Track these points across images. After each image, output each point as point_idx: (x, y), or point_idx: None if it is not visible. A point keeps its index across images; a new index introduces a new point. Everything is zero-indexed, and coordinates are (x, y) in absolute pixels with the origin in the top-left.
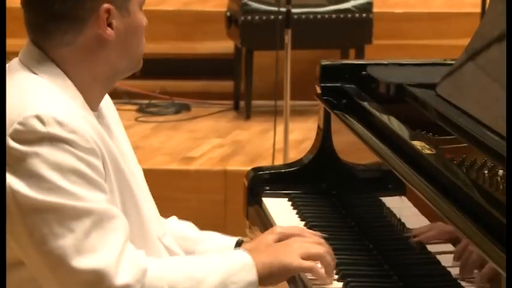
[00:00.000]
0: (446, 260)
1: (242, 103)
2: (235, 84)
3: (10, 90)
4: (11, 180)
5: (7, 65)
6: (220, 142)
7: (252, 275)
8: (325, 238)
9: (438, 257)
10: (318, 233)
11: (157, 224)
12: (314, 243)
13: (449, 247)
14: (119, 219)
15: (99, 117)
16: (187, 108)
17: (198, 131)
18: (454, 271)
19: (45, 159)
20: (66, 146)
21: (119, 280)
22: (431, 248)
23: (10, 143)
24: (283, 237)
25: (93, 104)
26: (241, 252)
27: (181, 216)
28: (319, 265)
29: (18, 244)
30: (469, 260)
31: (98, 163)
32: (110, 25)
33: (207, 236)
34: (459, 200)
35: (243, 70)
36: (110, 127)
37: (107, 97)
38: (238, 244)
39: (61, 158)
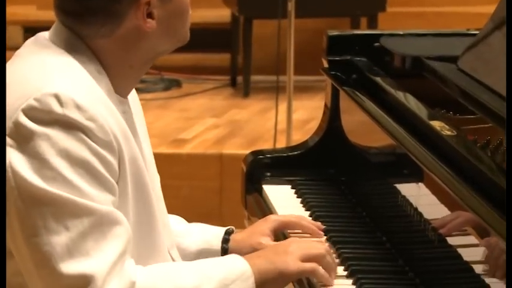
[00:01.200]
0: (468, 255)
1: (240, 78)
2: (232, 57)
3: (33, 65)
4: (14, 159)
5: (29, 40)
6: (215, 122)
7: (248, 284)
8: (326, 230)
9: (460, 250)
10: (318, 223)
11: (168, 235)
12: (311, 242)
13: (472, 240)
14: (121, 226)
15: (125, 111)
16: (177, 84)
17: (190, 110)
18: (477, 267)
19: (54, 143)
20: (81, 134)
21: None
22: (451, 240)
23: (21, 118)
24: (279, 226)
25: (125, 90)
26: (237, 259)
27: (172, 206)
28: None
29: (9, 227)
30: (498, 260)
31: (113, 160)
32: (150, 15)
33: (193, 229)
34: (483, 187)
35: (241, 41)
36: (134, 123)
37: (133, 91)
38: (228, 234)
39: (72, 146)
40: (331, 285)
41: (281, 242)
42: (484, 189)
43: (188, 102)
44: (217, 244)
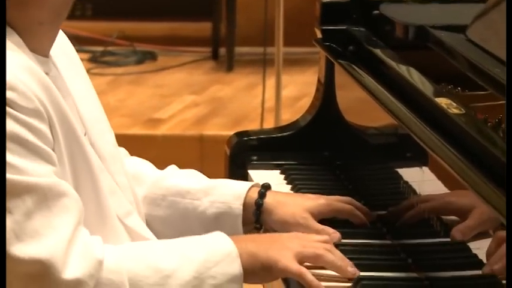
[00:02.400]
0: (478, 247)
1: (222, 50)
2: (213, 26)
3: None
4: None
5: None
6: (195, 100)
7: (234, 268)
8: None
9: (469, 243)
10: (370, 213)
11: (120, 201)
12: (311, 241)
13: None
14: (69, 197)
15: (48, 70)
16: (152, 57)
17: (166, 86)
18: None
19: None
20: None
21: (68, 274)
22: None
23: None
24: (328, 212)
25: (42, 48)
26: (222, 237)
27: None
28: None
29: None
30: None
31: (44, 127)
32: None
33: (213, 186)
34: (495, 172)
35: (224, 8)
36: (63, 80)
37: (65, 41)
38: (265, 188)
39: None
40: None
41: (282, 233)
42: (495, 174)
43: (164, 77)
44: (237, 205)
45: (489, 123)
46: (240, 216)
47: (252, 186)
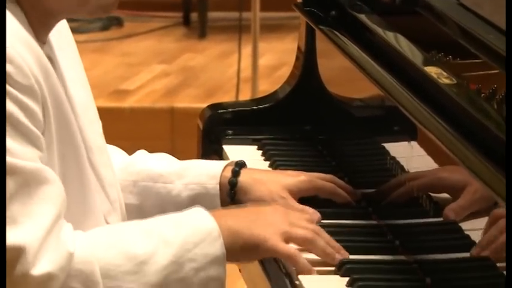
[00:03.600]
0: (471, 228)
1: (194, 16)
2: None
3: None
4: None
5: None
6: (165, 69)
7: (216, 248)
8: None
9: (461, 223)
10: (354, 191)
11: (105, 197)
12: (300, 219)
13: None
14: (52, 185)
15: (47, 50)
16: (118, 22)
17: (133, 54)
18: (481, 242)
19: None
20: None
21: (39, 268)
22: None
23: None
24: (309, 190)
25: (41, 36)
26: (202, 214)
27: None
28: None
29: None
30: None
31: (36, 108)
32: None
33: (186, 167)
34: (488, 146)
35: None
36: (58, 62)
37: (63, 24)
38: (239, 165)
39: None
40: (311, 274)
41: (264, 207)
42: (489, 149)
43: (131, 45)
44: (213, 185)
45: (482, 94)
46: (218, 197)
47: (227, 165)
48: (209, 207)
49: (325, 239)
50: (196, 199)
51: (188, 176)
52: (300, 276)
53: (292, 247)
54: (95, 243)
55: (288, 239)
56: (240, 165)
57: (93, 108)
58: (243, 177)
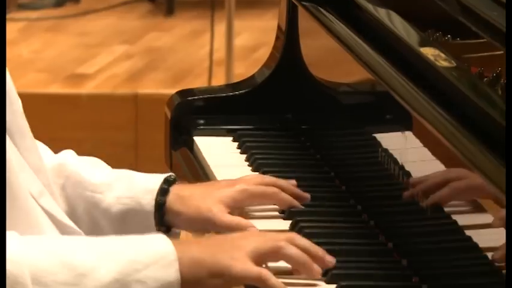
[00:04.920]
0: (471, 228)
1: None
2: None
3: None
4: None
5: None
6: (128, 51)
7: (170, 273)
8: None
9: (461, 223)
10: (292, 181)
11: (32, 178)
12: (271, 234)
13: (476, 208)
14: None
15: None
16: None
17: (92, 34)
18: (484, 243)
19: None
20: None
21: None
22: (449, 210)
23: None
24: (246, 199)
25: None
26: (159, 237)
27: None
28: None
29: None
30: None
31: None
32: None
33: (119, 177)
34: (491, 136)
35: None
36: None
37: None
38: (168, 183)
39: None
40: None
41: (234, 233)
42: (492, 140)
43: (89, 23)
44: (148, 200)
45: (485, 78)
46: (152, 215)
47: (166, 177)
48: (142, 225)
49: (303, 246)
50: (128, 215)
51: (120, 188)
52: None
53: (261, 268)
54: (29, 246)
55: (258, 258)
56: (169, 182)
57: (11, 86)
58: (171, 196)
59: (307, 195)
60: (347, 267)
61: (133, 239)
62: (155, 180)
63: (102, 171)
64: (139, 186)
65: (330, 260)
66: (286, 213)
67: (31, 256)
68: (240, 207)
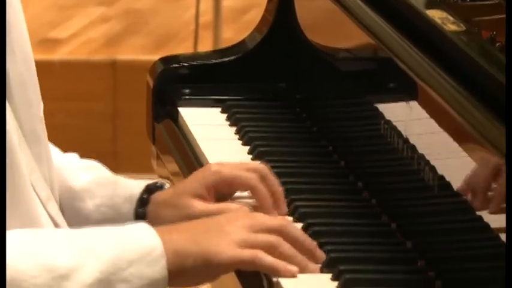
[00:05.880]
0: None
1: None
2: None
3: None
4: None
5: None
6: (104, 13)
7: (156, 270)
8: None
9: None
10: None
11: (41, 182)
12: (261, 217)
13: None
14: None
15: None
16: None
17: None
18: (495, 223)
19: None
20: None
21: None
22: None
23: None
24: (221, 183)
25: None
26: (144, 230)
27: None
28: None
29: None
30: None
31: None
32: None
33: (100, 183)
34: (504, 106)
35: None
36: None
37: None
38: (150, 191)
39: None
40: (291, 275)
41: (217, 216)
42: (504, 110)
43: None
44: (128, 210)
45: (497, 44)
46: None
47: (149, 185)
48: None
49: (294, 237)
50: (107, 224)
51: (100, 196)
52: None
53: (253, 250)
54: (9, 246)
55: (245, 247)
56: (150, 190)
57: (35, 83)
58: (150, 206)
59: (285, 210)
60: (346, 249)
61: (117, 233)
62: (137, 188)
63: (87, 176)
64: (120, 195)
65: (320, 255)
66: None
67: (11, 258)
68: (213, 192)
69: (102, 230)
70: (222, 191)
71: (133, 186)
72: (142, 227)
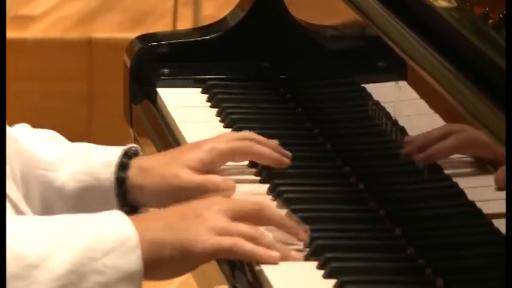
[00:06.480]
0: (474, 191)
1: None
2: None
3: None
4: None
5: None
6: None
7: (131, 261)
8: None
9: (462, 185)
10: (285, 152)
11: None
12: (242, 201)
13: (479, 168)
14: None
15: None
16: None
17: None
18: (487, 207)
19: None
20: None
21: None
22: (450, 169)
23: None
24: (218, 157)
25: None
26: (117, 217)
27: (15, 122)
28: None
29: None
30: None
31: None
32: None
33: (71, 153)
34: (497, 86)
35: None
36: None
37: None
38: (128, 156)
39: None
40: (273, 262)
41: (193, 202)
42: (497, 90)
43: None
44: (107, 175)
45: (490, 21)
46: (113, 191)
47: (126, 150)
48: (101, 205)
49: (272, 218)
50: (86, 193)
51: (75, 164)
52: None
53: (233, 237)
54: None
55: (224, 235)
56: (129, 155)
57: None
58: (133, 170)
59: (288, 153)
60: (332, 237)
61: (88, 219)
62: (114, 153)
63: (56, 146)
64: (96, 160)
65: (304, 236)
66: (263, 175)
67: None
68: (211, 169)
69: (74, 217)
70: (215, 166)
71: (109, 151)
72: (116, 215)
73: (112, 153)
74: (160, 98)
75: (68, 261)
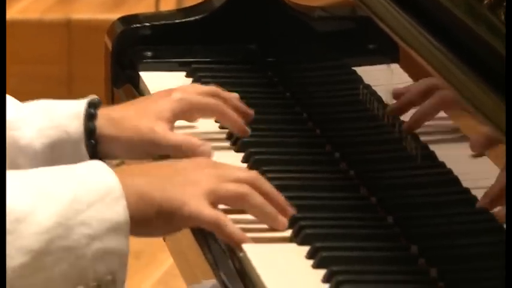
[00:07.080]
0: (467, 176)
1: None
2: None
3: None
4: None
5: None
6: None
7: (117, 212)
8: (243, 144)
9: (455, 170)
10: (249, 111)
11: None
12: (233, 171)
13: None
14: None
15: None
16: None
17: None
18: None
19: None
20: None
21: None
22: (441, 154)
23: None
24: (187, 109)
25: None
26: (100, 168)
27: None
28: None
29: None
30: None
31: None
32: None
33: (33, 111)
34: (492, 69)
35: None
36: None
37: None
38: (94, 106)
39: None
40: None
41: (184, 160)
42: (492, 73)
43: None
44: (76, 127)
45: (485, 1)
46: (83, 142)
47: (91, 100)
48: (72, 160)
49: (265, 191)
50: (55, 148)
51: (40, 120)
52: (245, 247)
53: (217, 211)
54: None
55: (215, 199)
56: (95, 104)
57: None
58: (101, 120)
59: (252, 112)
60: (322, 225)
61: (71, 172)
62: (79, 105)
63: (16, 106)
64: (62, 114)
65: (291, 212)
66: (250, 162)
67: None
68: (180, 119)
69: (55, 170)
70: (185, 117)
71: (73, 103)
72: (98, 165)
73: (77, 105)
74: (143, 82)
75: (53, 213)
